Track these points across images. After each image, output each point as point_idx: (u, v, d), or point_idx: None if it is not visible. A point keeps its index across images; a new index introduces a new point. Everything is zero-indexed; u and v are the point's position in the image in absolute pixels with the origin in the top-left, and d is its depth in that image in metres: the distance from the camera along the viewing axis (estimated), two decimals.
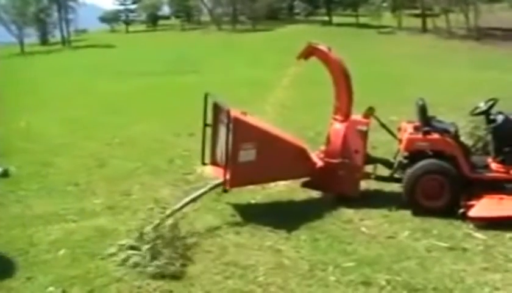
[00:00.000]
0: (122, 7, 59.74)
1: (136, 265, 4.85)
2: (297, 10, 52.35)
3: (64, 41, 51.36)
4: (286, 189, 6.91)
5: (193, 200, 5.97)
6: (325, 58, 6.56)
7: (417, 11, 42.27)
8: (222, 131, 6.14)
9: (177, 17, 59.30)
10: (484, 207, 5.69)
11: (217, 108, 6.37)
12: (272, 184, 6.86)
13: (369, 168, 6.66)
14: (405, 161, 6.22)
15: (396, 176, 6.47)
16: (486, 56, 27.39)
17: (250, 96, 13.12)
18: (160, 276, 4.70)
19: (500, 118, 6.14)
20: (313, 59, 6.62)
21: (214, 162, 6.55)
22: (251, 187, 6.63)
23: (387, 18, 42.66)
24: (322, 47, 6.53)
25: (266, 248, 5.28)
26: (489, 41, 33.31)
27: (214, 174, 6.40)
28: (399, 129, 6.60)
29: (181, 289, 4.57)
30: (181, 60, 28.76)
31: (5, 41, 48.76)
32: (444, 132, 6.07)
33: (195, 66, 25.52)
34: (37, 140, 10.89)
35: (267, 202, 6.64)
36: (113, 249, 5.18)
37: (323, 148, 6.68)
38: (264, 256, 5.11)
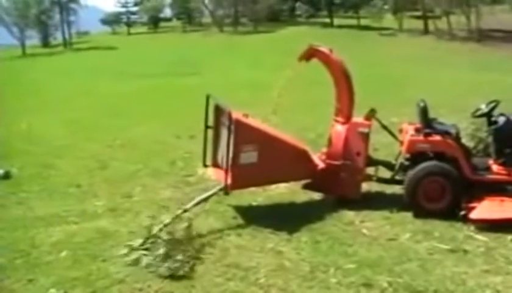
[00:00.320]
0: (123, 9, 59.85)
1: (148, 266, 4.88)
2: (298, 12, 52.34)
3: (66, 43, 51.39)
4: (287, 191, 6.91)
5: (204, 200, 6.02)
6: (326, 60, 6.57)
7: (419, 13, 42.27)
8: (224, 133, 6.15)
9: (179, 19, 59.32)
10: (485, 209, 5.69)
11: (218, 110, 6.37)
12: (273, 186, 6.86)
13: (370, 170, 6.65)
14: (406, 163, 6.22)
15: (397, 178, 6.47)
16: (486, 58, 27.37)
17: (251, 97, 13.14)
18: (172, 277, 4.72)
19: (501, 119, 6.14)
20: (314, 61, 6.62)
21: (215, 164, 6.56)
22: (252, 189, 6.63)
23: (389, 20, 42.65)
24: (323, 49, 6.53)
25: (267, 250, 5.28)
26: (489, 43, 33.29)
27: (215, 176, 6.41)
28: (400, 131, 6.60)
29: (183, 291, 4.58)
30: (183, 62, 28.78)
31: (7, 43, 48.80)
32: (445, 134, 6.07)
33: (196, 68, 25.55)
34: (38, 142, 10.91)
35: (268, 204, 6.65)
36: (124, 250, 5.22)
37: (324, 149, 6.68)
38: (266, 257, 5.12)
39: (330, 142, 6.61)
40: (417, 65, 24.51)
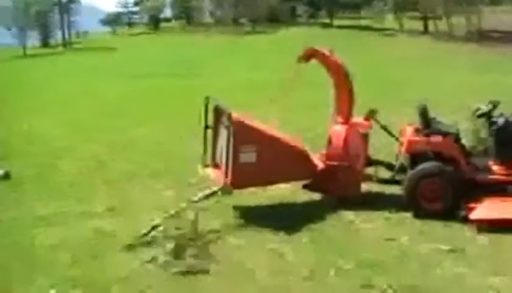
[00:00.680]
0: (124, 9, 59.86)
1: (166, 264, 4.91)
2: (298, 13, 52.33)
3: (66, 44, 51.37)
4: (287, 191, 6.91)
5: (210, 195, 6.10)
6: (325, 61, 6.57)
7: (419, 14, 42.27)
8: (223, 133, 6.15)
9: (179, 19, 59.33)
10: (485, 209, 5.69)
11: (218, 110, 6.38)
12: (273, 186, 6.85)
13: (370, 171, 6.66)
14: (406, 163, 6.22)
15: (397, 178, 6.47)
16: (486, 58, 27.36)
17: (251, 98, 13.14)
18: (189, 273, 4.78)
19: (501, 120, 6.14)
20: (314, 62, 6.62)
21: (215, 164, 6.56)
22: (252, 189, 6.62)
23: (389, 21, 42.67)
24: (323, 50, 6.53)
25: (267, 250, 5.29)
26: (489, 44, 33.26)
27: (215, 176, 6.41)
28: (400, 131, 6.60)
29: (183, 291, 4.58)
30: (183, 62, 28.76)
31: (7, 44, 48.78)
32: (445, 134, 6.07)
33: (196, 69, 25.52)
34: (38, 143, 10.90)
35: (268, 205, 6.65)
36: (135, 247, 5.29)
37: (324, 150, 6.68)
38: (266, 257, 5.12)
39: (329, 142, 6.60)
40: (417, 66, 24.49)
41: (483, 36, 34.57)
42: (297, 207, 6.55)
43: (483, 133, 6.96)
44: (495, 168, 6.11)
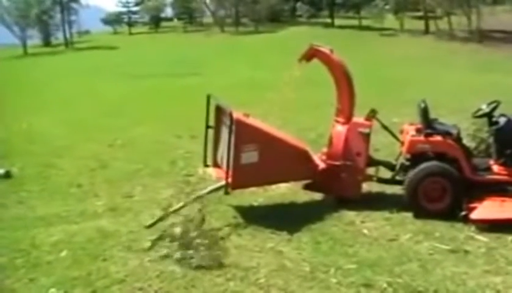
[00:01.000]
0: (125, 9, 59.87)
1: (181, 259, 4.95)
2: (299, 12, 52.30)
3: (67, 43, 51.38)
4: (287, 191, 6.91)
5: (214, 190, 6.22)
6: (326, 60, 6.56)
7: (420, 14, 42.24)
8: (224, 133, 6.15)
9: (180, 19, 59.33)
10: (486, 209, 5.68)
11: (219, 110, 6.38)
12: (273, 186, 6.86)
13: (371, 171, 6.65)
14: (407, 163, 6.22)
15: (398, 178, 6.47)
16: (487, 58, 27.33)
17: (252, 97, 13.12)
18: (204, 268, 4.82)
19: (502, 120, 6.14)
20: (315, 61, 6.62)
21: (216, 164, 6.56)
22: (253, 189, 6.63)
23: (390, 20, 42.61)
24: (324, 49, 6.53)
25: (267, 250, 5.29)
26: (490, 44, 33.22)
27: (216, 176, 6.41)
28: (401, 131, 6.59)
29: (183, 291, 4.58)
30: (184, 61, 28.77)
31: (8, 43, 48.80)
32: (446, 134, 6.07)
33: (197, 68, 25.52)
34: (39, 142, 10.92)
35: (269, 204, 6.64)
36: (148, 244, 5.33)
37: (325, 150, 6.68)
38: (266, 257, 5.12)
39: (330, 142, 6.60)
40: (418, 66, 24.48)
41: (484, 36, 34.53)
42: (297, 207, 6.55)
43: (484, 134, 6.96)
44: (496, 168, 6.10)
